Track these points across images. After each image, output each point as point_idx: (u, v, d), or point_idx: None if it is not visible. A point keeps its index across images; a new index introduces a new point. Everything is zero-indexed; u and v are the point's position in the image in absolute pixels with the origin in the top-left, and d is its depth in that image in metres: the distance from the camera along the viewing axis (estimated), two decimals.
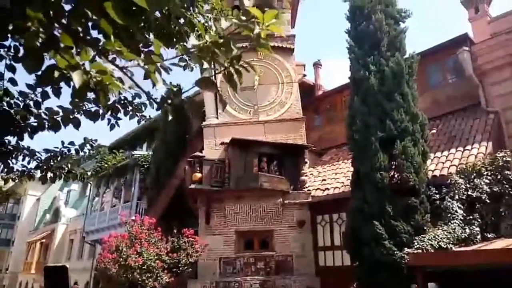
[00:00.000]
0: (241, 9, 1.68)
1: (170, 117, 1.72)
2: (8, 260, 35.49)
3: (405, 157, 8.33)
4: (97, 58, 1.62)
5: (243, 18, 1.54)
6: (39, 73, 1.56)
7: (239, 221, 11.68)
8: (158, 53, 1.56)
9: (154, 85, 1.60)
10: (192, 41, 1.61)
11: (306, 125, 13.06)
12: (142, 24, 1.50)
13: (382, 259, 7.86)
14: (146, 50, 1.57)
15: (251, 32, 1.56)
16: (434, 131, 11.05)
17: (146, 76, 1.55)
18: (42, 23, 1.39)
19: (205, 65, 1.65)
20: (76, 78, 1.45)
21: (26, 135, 2.44)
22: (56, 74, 1.52)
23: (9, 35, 1.70)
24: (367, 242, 8.25)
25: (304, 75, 16.10)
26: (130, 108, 1.99)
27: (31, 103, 2.30)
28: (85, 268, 21.52)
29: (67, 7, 1.42)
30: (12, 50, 2.20)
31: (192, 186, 11.75)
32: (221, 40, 1.54)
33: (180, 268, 10.36)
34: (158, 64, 1.56)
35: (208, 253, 11.21)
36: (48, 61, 1.58)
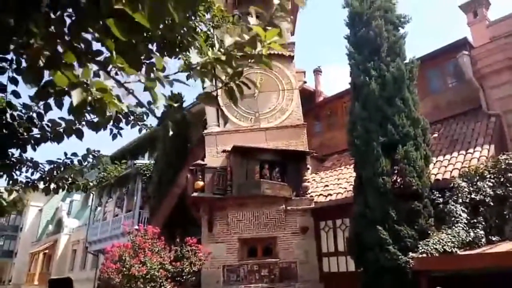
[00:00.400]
0: (239, 23, 1.70)
1: (171, 133, 1.74)
2: (11, 271, 35.38)
3: (407, 161, 8.33)
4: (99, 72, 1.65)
5: (245, 36, 1.57)
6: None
7: (242, 229, 11.65)
8: (160, 68, 1.58)
9: (155, 101, 1.62)
10: (194, 57, 1.63)
11: (307, 131, 13.08)
12: (145, 34, 1.53)
13: (386, 264, 7.82)
14: (147, 62, 1.59)
15: (253, 49, 1.58)
16: (435, 135, 11.05)
17: (146, 89, 1.57)
18: (45, 40, 1.41)
19: (207, 82, 1.67)
20: (75, 96, 1.47)
21: (29, 147, 2.46)
22: (52, 90, 1.54)
23: (11, 50, 1.73)
24: (371, 248, 8.22)
25: (305, 82, 16.13)
26: (132, 117, 2.00)
27: (34, 115, 2.32)
28: (88, 278, 21.45)
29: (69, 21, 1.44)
30: (14, 63, 2.23)
31: (195, 194, 11.75)
32: (223, 57, 1.56)
33: (184, 277, 10.31)
34: (162, 78, 1.58)
35: (211, 261, 11.17)
36: (47, 76, 1.61)
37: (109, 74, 1.58)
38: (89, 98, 1.52)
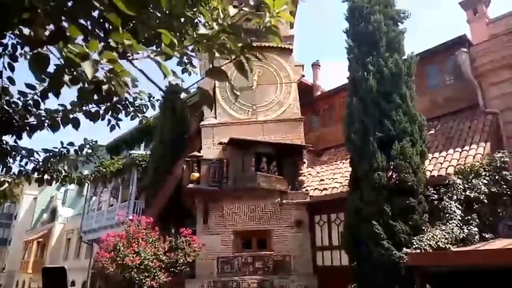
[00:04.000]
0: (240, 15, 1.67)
1: (169, 114, 1.71)
2: (5, 259, 35.38)
3: (403, 157, 8.35)
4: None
5: (252, 3, 1.53)
6: (48, 78, 1.55)
7: (237, 221, 11.68)
8: (167, 43, 1.53)
9: (165, 76, 1.57)
10: (201, 30, 1.59)
11: (304, 125, 13.07)
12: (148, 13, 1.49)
13: (380, 259, 7.87)
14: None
15: (260, 20, 1.54)
16: (432, 131, 11.07)
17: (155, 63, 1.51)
18: (49, 15, 1.37)
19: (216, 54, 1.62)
20: (88, 68, 1.43)
21: (24, 135, 2.43)
22: (66, 78, 1.50)
23: (6, 33, 1.69)
24: (365, 242, 8.26)
25: (303, 76, 16.09)
26: (132, 109, 1.97)
27: (31, 102, 2.28)
28: (82, 268, 21.48)
29: None
30: (10, 49, 2.18)
31: (190, 185, 11.74)
32: (229, 29, 1.52)
33: (178, 268, 10.34)
34: (171, 52, 1.53)
35: (206, 252, 11.20)
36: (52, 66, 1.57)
37: (115, 50, 1.53)
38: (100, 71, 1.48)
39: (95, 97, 1.63)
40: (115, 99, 1.59)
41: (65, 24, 1.46)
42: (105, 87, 1.58)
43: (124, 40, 1.46)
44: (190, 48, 1.72)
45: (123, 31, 1.45)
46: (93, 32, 1.46)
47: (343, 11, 11.43)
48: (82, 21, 1.49)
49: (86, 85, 1.54)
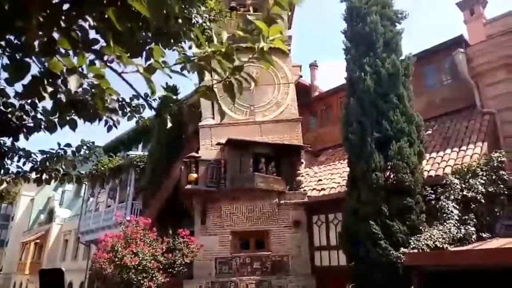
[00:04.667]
0: (242, 18, 1.67)
1: (169, 125, 1.72)
2: (2, 260, 35.23)
3: (400, 157, 8.37)
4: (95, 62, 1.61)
5: (247, 29, 1.54)
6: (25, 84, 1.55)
7: (235, 221, 11.67)
8: (158, 59, 1.55)
9: (152, 92, 1.59)
10: (194, 49, 1.60)
11: (302, 125, 13.08)
12: (140, 24, 1.50)
13: (378, 259, 7.89)
14: (146, 50, 1.56)
15: (254, 45, 1.55)
16: (429, 132, 11.10)
17: (145, 80, 1.53)
18: (41, 25, 1.38)
19: (207, 75, 1.64)
20: (73, 82, 1.44)
21: (21, 136, 2.42)
22: (49, 90, 1.51)
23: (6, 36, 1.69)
24: (363, 242, 8.28)
25: (300, 76, 16.12)
26: (128, 109, 1.97)
27: (27, 103, 2.27)
28: (80, 269, 21.42)
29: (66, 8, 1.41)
30: (8, 50, 2.18)
31: (188, 186, 11.74)
32: (223, 50, 1.53)
33: (176, 269, 10.33)
34: (160, 67, 1.55)
35: (203, 253, 11.19)
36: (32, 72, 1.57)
37: (106, 63, 1.55)
38: (85, 84, 1.49)
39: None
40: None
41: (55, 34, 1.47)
42: (80, 105, 1.60)
43: (116, 53, 1.47)
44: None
45: (114, 44, 1.46)
46: (84, 44, 1.47)
47: (341, 11, 11.45)
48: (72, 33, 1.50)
49: (63, 99, 1.56)
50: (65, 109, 1.56)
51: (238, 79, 1.61)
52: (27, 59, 1.52)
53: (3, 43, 1.92)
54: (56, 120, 2.08)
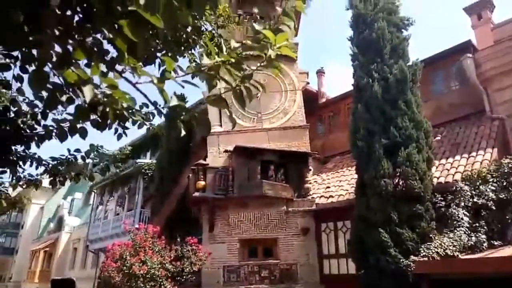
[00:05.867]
0: (250, 26, 1.71)
1: (183, 133, 1.75)
2: (12, 268, 35.44)
3: (409, 164, 8.31)
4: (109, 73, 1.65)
5: (249, 42, 1.57)
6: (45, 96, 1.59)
7: (243, 229, 11.64)
8: (170, 69, 1.58)
9: (165, 102, 1.63)
10: (204, 59, 1.64)
11: (309, 132, 13.07)
12: (150, 33, 1.53)
13: (387, 267, 7.80)
14: (159, 61, 1.59)
15: (262, 53, 1.57)
16: (438, 138, 11.02)
17: (158, 90, 1.57)
18: (57, 38, 1.41)
19: (218, 84, 1.67)
20: (87, 92, 1.48)
21: (33, 144, 2.46)
22: (64, 98, 1.55)
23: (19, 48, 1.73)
24: (372, 250, 8.20)
25: (307, 83, 16.13)
26: (139, 117, 1.99)
27: (39, 112, 2.32)
28: (88, 277, 21.45)
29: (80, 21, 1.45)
30: (20, 60, 2.22)
31: (196, 194, 11.75)
32: (232, 59, 1.57)
33: (184, 277, 10.31)
34: (173, 78, 1.58)
35: (211, 261, 11.16)
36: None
37: (120, 73, 1.59)
38: (99, 95, 1.53)
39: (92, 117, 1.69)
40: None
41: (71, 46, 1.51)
42: (100, 108, 1.63)
43: (130, 64, 1.51)
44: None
45: (128, 55, 1.50)
46: (98, 56, 1.51)
47: (347, 18, 11.49)
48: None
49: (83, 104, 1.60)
50: (87, 111, 1.60)
51: (247, 86, 1.63)
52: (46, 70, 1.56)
53: (15, 53, 1.97)
54: (66, 128, 2.11)
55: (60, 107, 1.81)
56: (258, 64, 1.61)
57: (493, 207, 7.79)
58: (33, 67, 1.54)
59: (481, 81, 11.15)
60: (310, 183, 12.18)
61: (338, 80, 46.64)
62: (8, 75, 2.32)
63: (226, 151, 12.38)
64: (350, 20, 10.55)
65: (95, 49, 1.48)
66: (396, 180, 8.58)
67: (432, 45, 44.89)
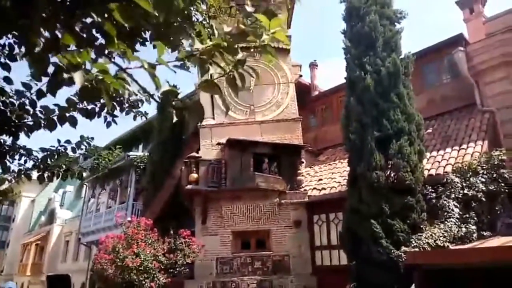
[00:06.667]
0: (242, 11, 1.68)
1: (175, 119, 1.72)
2: (3, 262, 35.23)
3: (401, 156, 8.37)
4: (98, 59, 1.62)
5: (248, 22, 1.54)
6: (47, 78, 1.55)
7: (236, 221, 11.67)
8: (161, 54, 1.55)
9: (157, 87, 1.60)
10: (196, 43, 1.61)
11: (302, 125, 13.08)
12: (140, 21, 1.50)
13: (379, 258, 7.88)
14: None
15: (257, 38, 1.55)
16: (429, 130, 11.10)
17: (149, 75, 1.54)
18: (45, 23, 1.39)
19: (210, 69, 1.64)
20: (78, 78, 1.45)
21: (22, 134, 2.43)
22: (65, 76, 1.52)
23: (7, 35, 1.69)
24: (364, 241, 8.28)
25: (300, 76, 16.11)
26: (126, 105, 1.97)
27: (27, 101, 2.28)
28: (80, 270, 21.42)
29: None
30: (7, 49, 2.18)
31: (189, 186, 11.74)
32: (225, 43, 1.54)
33: (177, 269, 10.33)
34: (165, 63, 1.55)
35: (204, 253, 11.19)
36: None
37: (110, 59, 1.55)
38: (93, 81, 1.50)
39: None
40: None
41: (60, 31, 1.47)
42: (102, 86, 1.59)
43: (120, 49, 1.48)
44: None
45: (118, 41, 1.47)
46: (87, 40, 1.48)
47: (340, 11, 11.46)
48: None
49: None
50: (91, 92, 1.55)
51: (240, 72, 1.61)
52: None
53: (1, 41, 1.93)
54: (56, 117, 2.08)
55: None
56: (253, 46, 1.58)
57: (483, 199, 7.88)
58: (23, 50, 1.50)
59: (472, 74, 11.22)
60: (302, 175, 12.22)
61: (331, 74, 46.63)
62: None
63: (219, 143, 12.36)
64: (343, 13, 10.52)
65: (84, 35, 1.45)
66: (388, 172, 8.63)
67: (426, 39, 45.01)
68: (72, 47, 1.49)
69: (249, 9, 1.58)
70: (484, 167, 8.29)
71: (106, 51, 1.54)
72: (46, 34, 1.48)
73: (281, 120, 12.77)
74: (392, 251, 7.74)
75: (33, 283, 26.81)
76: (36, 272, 27.06)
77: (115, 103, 1.67)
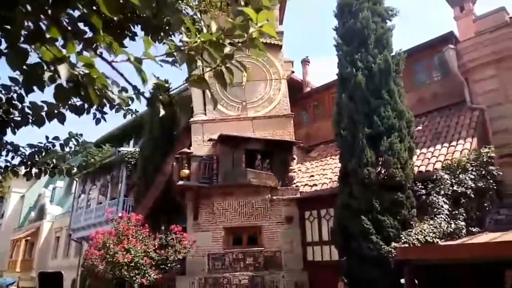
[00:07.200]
0: (231, 4, 1.67)
1: (162, 113, 1.70)
2: None
3: (391, 153, 8.43)
4: (84, 52, 1.59)
5: (232, 20, 1.53)
6: (25, 73, 1.52)
7: (228, 217, 11.68)
8: (148, 48, 1.53)
9: (143, 82, 1.57)
10: (184, 38, 1.59)
11: (294, 121, 13.09)
12: (129, 15, 1.48)
13: (369, 254, 7.96)
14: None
15: (245, 32, 1.54)
16: (420, 127, 11.19)
17: (135, 69, 1.52)
18: (29, 15, 1.36)
19: (198, 63, 1.63)
20: (63, 71, 1.42)
21: (8, 130, 2.38)
22: (47, 75, 1.48)
23: None
24: (354, 237, 8.34)
25: (292, 72, 16.10)
26: (117, 102, 1.94)
27: (14, 96, 2.24)
28: (71, 266, 21.27)
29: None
30: None
31: (180, 182, 11.69)
32: (213, 38, 1.52)
33: (168, 265, 10.32)
34: (152, 57, 1.53)
35: (196, 249, 11.19)
36: (32, 59, 1.55)
37: (95, 52, 1.53)
38: (78, 76, 1.47)
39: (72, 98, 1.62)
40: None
41: (45, 23, 1.44)
42: (83, 87, 1.57)
43: (106, 41, 1.45)
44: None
45: (103, 33, 1.45)
46: (73, 32, 1.45)
47: (332, 8, 11.47)
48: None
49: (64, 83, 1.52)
50: (69, 92, 1.52)
51: (228, 67, 1.60)
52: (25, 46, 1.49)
53: None
54: (44, 113, 2.05)
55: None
56: (240, 44, 1.57)
57: (472, 195, 7.98)
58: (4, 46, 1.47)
59: (462, 72, 11.31)
60: (294, 171, 12.24)
61: (323, 71, 46.70)
62: None
63: (210, 139, 12.32)
64: (335, 9, 10.53)
65: (69, 27, 1.42)
66: (379, 169, 8.70)
67: (417, 37, 45.28)
68: (60, 41, 1.46)
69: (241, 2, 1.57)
70: (473, 164, 8.39)
71: (94, 45, 1.51)
72: (30, 24, 1.45)
73: (273, 116, 12.77)
74: (383, 246, 7.82)
75: (23, 279, 26.54)
76: (26, 268, 26.80)
77: (104, 100, 1.65)
